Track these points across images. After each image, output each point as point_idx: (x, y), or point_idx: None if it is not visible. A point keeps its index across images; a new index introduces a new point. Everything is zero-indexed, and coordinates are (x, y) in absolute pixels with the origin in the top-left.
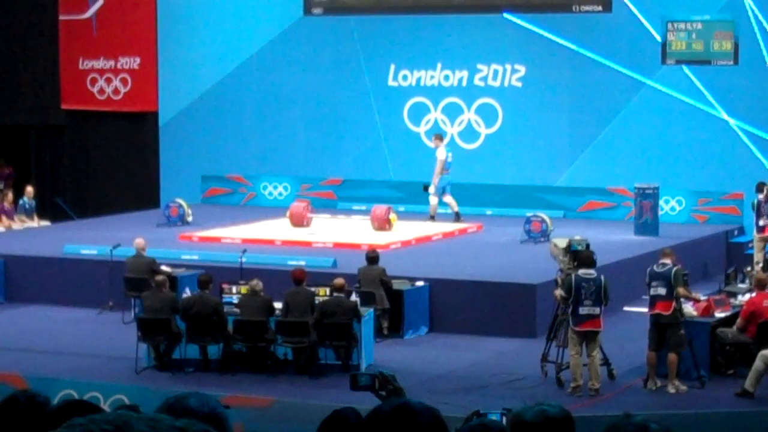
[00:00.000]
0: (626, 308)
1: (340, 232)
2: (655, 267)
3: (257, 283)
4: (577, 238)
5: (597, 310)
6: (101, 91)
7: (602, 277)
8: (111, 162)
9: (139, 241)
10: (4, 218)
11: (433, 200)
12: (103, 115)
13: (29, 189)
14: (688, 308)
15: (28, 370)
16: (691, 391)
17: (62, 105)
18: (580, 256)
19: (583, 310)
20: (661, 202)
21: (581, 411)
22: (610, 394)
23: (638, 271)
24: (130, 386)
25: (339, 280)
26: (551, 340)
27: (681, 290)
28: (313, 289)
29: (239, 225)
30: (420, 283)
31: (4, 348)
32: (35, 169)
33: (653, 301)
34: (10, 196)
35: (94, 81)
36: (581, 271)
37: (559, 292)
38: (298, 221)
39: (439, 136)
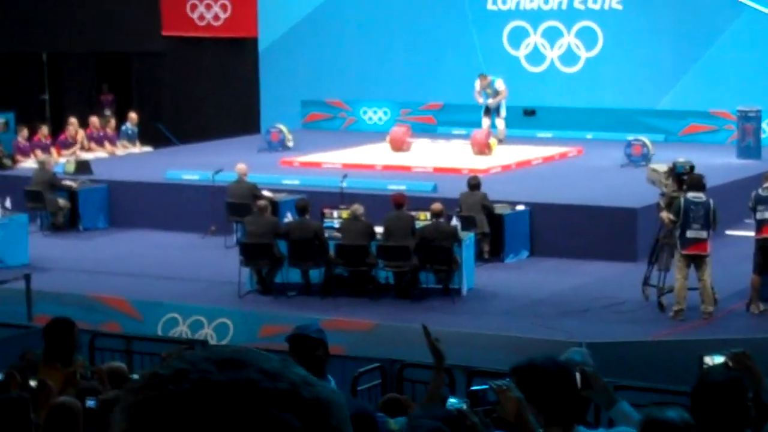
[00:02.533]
0: (729, 232)
1: (440, 157)
2: (760, 191)
3: (358, 208)
4: (681, 160)
5: (704, 234)
6: (201, 17)
7: (711, 201)
8: (211, 88)
9: (241, 167)
10: (107, 144)
11: (501, 124)
12: (203, 41)
13: (132, 115)
14: None
15: (133, 294)
16: None
17: (163, 31)
18: (689, 179)
19: (690, 234)
20: (763, 125)
21: (682, 335)
22: (712, 318)
23: (741, 195)
24: (233, 310)
25: (437, 205)
26: (653, 263)
27: None
28: (413, 213)
29: (339, 150)
30: (520, 208)
31: (109, 272)
32: (137, 95)
33: (760, 224)
34: (112, 122)
35: (194, 7)
36: (690, 194)
37: (666, 215)
38: (398, 146)
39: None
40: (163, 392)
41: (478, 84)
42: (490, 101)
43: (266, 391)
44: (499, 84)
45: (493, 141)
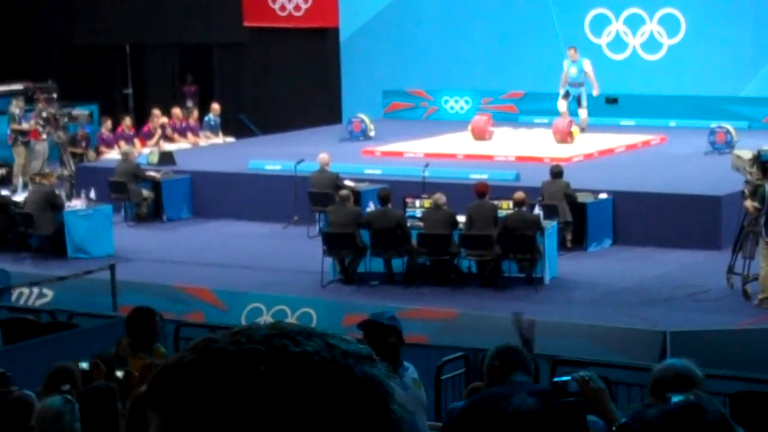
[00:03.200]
0: None
1: (522, 145)
2: None
3: (440, 197)
4: (766, 148)
5: None
6: (282, 7)
7: None
8: (293, 78)
9: (323, 156)
10: (190, 135)
11: (583, 113)
12: (284, 32)
13: (215, 106)
14: None
15: (217, 284)
16: None
17: (244, 22)
18: None
19: None
20: None
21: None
22: None
23: None
24: (316, 299)
25: (519, 194)
26: (737, 251)
27: None
28: (495, 202)
29: (421, 139)
30: (603, 196)
31: (192, 263)
32: (218, 86)
33: None
34: (195, 113)
35: None
36: None
37: (751, 203)
38: (480, 135)
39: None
40: (211, 354)
41: (565, 64)
42: (574, 86)
43: (318, 365)
44: (587, 65)
45: (575, 129)
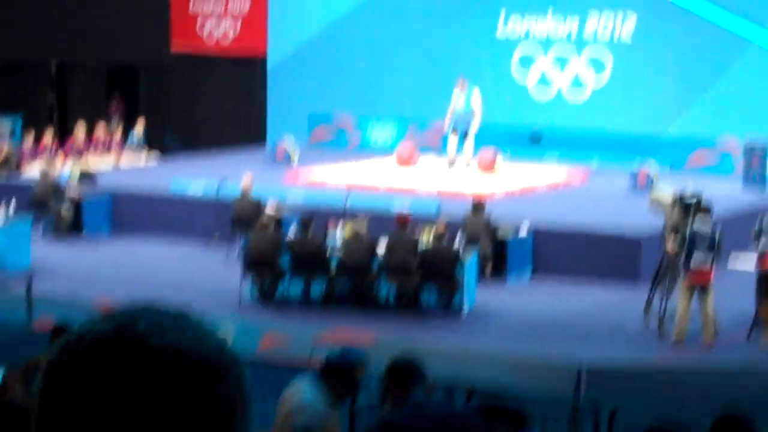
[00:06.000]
0: (731, 263)
1: (446, 177)
2: (763, 221)
3: (362, 224)
4: (689, 191)
5: (708, 263)
6: (210, 35)
7: (717, 230)
8: (219, 104)
9: (246, 183)
10: (113, 152)
11: (469, 145)
12: (211, 59)
13: (138, 126)
14: None
15: (134, 300)
16: None
17: (171, 48)
18: (696, 208)
19: (695, 262)
20: None
21: (682, 362)
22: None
23: (746, 225)
24: (234, 318)
25: (440, 227)
26: (655, 289)
27: None
28: (417, 229)
29: (345, 162)
30: (523, 234)
31: (111, 279)
32: (144, 107)
33: (762, 256)
34: (119, 130)
35: (203, 24)
36: (696, 224)
37: (671, 245)
38: (405, 161)
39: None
40: (63, 354)
41: (454, 95)
42: (460, 122)
43: (150, 349)
44: (476, 96)
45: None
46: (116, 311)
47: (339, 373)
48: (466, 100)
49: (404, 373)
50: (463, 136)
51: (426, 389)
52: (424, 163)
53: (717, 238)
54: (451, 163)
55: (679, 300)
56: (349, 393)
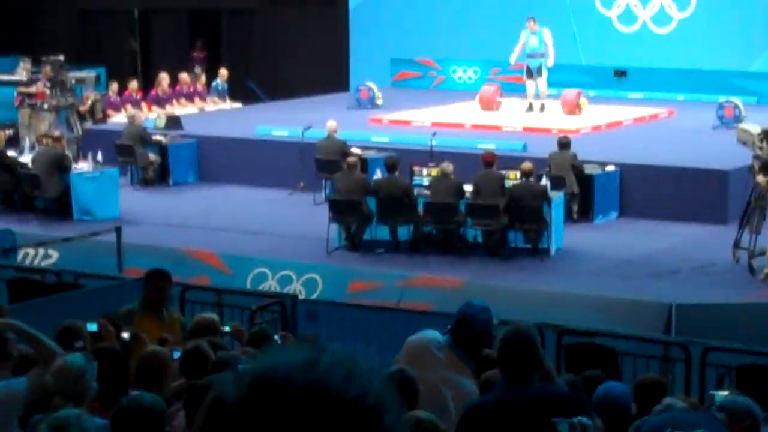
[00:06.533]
0: None
1: (530, 116)
2: None
3: (447, 166)
4: None
5: None
6: None
7: None
8: (302, 45)
9: (331, 124)
10: (197, 100)
11: (543, 85)
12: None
13: (222, 71)
14: None
15: (223, 248)
16: None
17: None
18: None
19: None
20: None
21: None
22: None
23: None
24: (322, 265)
25: (527, 164)
26: (744, 226)
27: None
28: (502, 172)
29: (429, 108)
30: (610, 168)
31: (199, 227)
32: (227, 52)
33: None
34: (203, 78)
35: None
36: None
37: (762, 178)
38: (488, 105)
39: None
40: (238, 389)
41: (523, 35)
42: (534, 57)
43: (331, 393)
44: (547, 35)
45: (583, 101)
46: (283, 350)
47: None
48: (539, 40)
49: (518, 350)
50: (537, 73)
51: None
52: (506, 107)
53: None
54: (530, 108)
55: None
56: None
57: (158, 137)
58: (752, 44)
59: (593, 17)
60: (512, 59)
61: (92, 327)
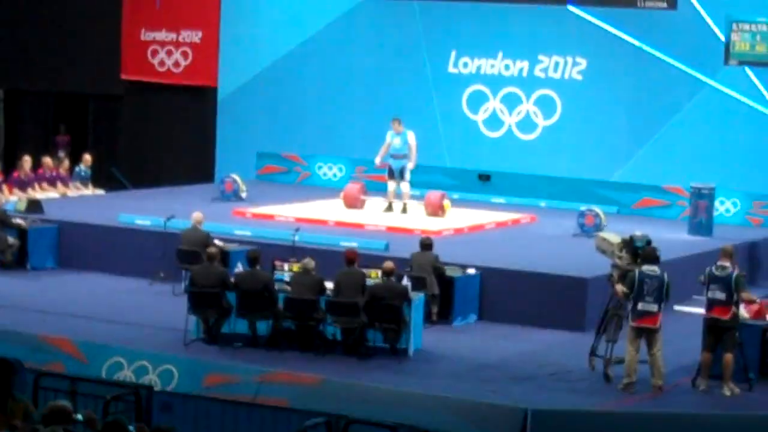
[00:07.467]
0: (677, 308)
1: (392, 216)
2: (714, 269)
3: (309, 262)
4: (638, 234)
5: (656, 308)
6: (162, 63)
7: (665, 275)
8: (168, 134)
9: (197, 215)
10: (59, 184)
11: (406, 187)
12: (162, 88)
13: (86, 157)
14: (741, 311)
15: (79, 335)
16: (740, 394)
17: (122, 75)
18: (644, 252)
19: (642, 307)
20: (716, 203)
21: (630, 407)
22: (661, 392)
23: (691, 270)
24: (179, 357)
25: (389, 264)
26: (601, 334)
27: (744, 295)
28: (364, 270)
29: (293, 203)
30: (471, 271)
31: (55, 313)
32: (92, 137)
33: (711, 304)
34: (66, 163)
35: (155, 53)
36: (645, 268)
37: (620, 288)
38: (352, 203)
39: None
40: None
41: (389, 135)
42: (396, 158)
43: None
44: (411, 138)
45: (446, 203)
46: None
47: None
48: (403, 141)
49: None
50: (400, 176)
51: None
52: (370, 205)
53: (665, 282)
54: (389, 208)
55: (627, 344)
56: None
57: (18, 221)
58: (614, 154)
59: (460, 120)
60: (377, 159)
61: None
